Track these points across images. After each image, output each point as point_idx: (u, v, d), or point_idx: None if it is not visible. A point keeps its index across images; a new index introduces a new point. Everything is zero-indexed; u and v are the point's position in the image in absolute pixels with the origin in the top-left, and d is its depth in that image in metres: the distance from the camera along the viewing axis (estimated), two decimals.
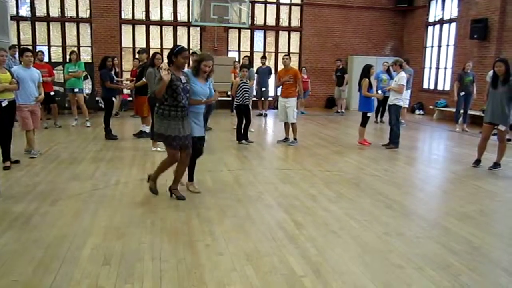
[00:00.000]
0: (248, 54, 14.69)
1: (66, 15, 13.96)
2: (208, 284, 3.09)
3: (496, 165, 6.83)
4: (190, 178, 5.39)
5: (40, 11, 13.81)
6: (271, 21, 15.58)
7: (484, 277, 3.30)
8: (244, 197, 5.17)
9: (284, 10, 15.63)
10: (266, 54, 15.10)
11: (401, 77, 8.47)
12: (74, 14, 14.04)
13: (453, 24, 13.96)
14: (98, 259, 3.42)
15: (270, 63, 15.24)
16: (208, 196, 5.11)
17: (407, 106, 12.39)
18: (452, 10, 14.12)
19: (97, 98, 12.78)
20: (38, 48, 13.06)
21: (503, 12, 11.90)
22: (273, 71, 14.19)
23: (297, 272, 3.29)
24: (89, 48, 14.24)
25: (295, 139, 8.69)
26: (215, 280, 3.14)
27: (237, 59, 14.08)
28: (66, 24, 14.05)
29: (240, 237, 3.98)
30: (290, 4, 15.60)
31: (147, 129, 8.69)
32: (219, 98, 13.76)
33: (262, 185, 5.71)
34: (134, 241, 3.79)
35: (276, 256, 3.56)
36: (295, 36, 15.86)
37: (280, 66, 9.48)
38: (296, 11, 15.69)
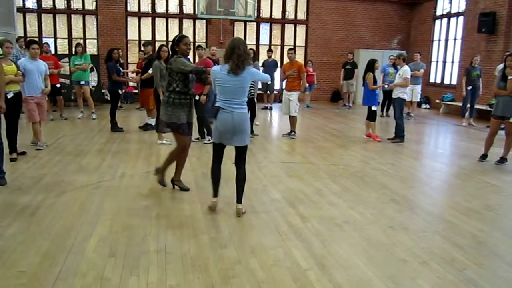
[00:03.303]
0: (254, 47, 14.64)
1: (72, 7, 13.98)
2: (213, 276, 3.10)
3: (503, 159, 6.78)
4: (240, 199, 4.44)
5: (46, 3, 13.83)
6: (277, 14, 15.51)
7: (489, 272, 3.29)
8: (249, 190, 5.14)
9: (290, 3, 15.54)
10: (272, 47, 15.04)
11: (405, 71, 8.44)
12: (80, 6, 14.05)
13: (461, 18, 13.83)
14: (103, 251, 3.44)
15: (276, 56, 15.18)
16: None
17: (418, 99, 12.32)
18: (460, 3, 13.97)
19: (103, 91, 12.82)
20: (44, 40, 13.09)
21: None
22: (279, 64, 14.14)
23: (302, 265, 3.30)
24: (95, 41, 14.26)
25: (294, 131, 8.71)
26: (219, 273, 3.15)
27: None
28: (72, 16, 14.07)
29: (244, 230, 3.99)
30: None
31: (153, 121, 8.71)
32: None
33: (267, 178, 5.72)
34: (139, 233, 3.81)
35: (281, 249, 3.57)
36: (301, 29, 15.78)
37: (286, 59, 9.50)
38: (302, 4, 15.59)
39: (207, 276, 3.11)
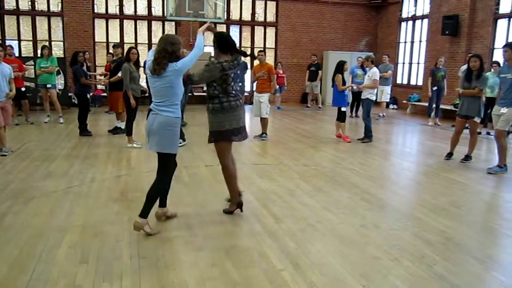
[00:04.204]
0: None
1: (36, 8, 13.60)
2: (188, 280, 3.08)
3: (468, 157, 7.01)
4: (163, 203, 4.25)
5: (9, 4, 13.41)
6: (246, 16, 15.55)
7: (457, 266, 3.39)
8: (221, 192, 5.15)
9: (259, 5, 15.62)
10: (242, 49, 15.03)
11: (374, 72, 8.62)
12: (45, 8, 13.69)
13: (426, 20, 14.23)
14: (75, 257, 3.37)
15: (246, 58, 15.18)
16: (185, 192, 5.09)
17: (387, 100, 12.66)
18: (424, 6, 14.38)
19: (70, 94, 12.54)
20: (7, 43, 12.67)
21: (473, 9, 12.20)
22: (249, 66, 14.16)
23: (276, 266, 3.32)
24: (61, 43, 13.92)
25: (265, 133, 8.75)
26: (194, 276, 3.13)
27: (212, 54, 14.00)
28: (37, 17, 13.69)
29: (218, 232, 3.98)
30: None
31: (122, 125, 8.58)
32: (196, 94, 13.72)
33: (239, 181, 5.68)
34: (111, 239, 3.74)
35: (255, 250, 3.58)
36: (270, 31, 15.88)
37: (256, 62, 9.54)
38: (271, 6, 15.69)
39: (182, 280, 3.08)
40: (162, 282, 3.05)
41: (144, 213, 3.85)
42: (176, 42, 3.81)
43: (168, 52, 3.73)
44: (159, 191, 3.99)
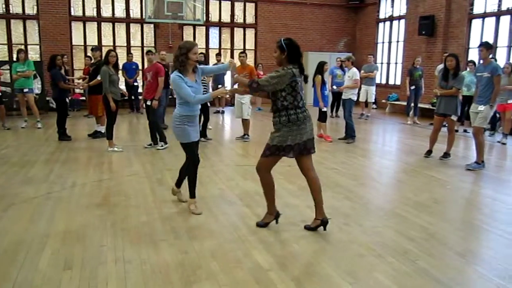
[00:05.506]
0: (204, 51, 14.61)
1: (11, 11, 13.34)
2: (174, 283, 3.07)
3: (446, 155, 7.16)
4: (193, 194, 4.62)
5: None
6: (226, 18, 15.55)
7: (439, 261, 3.46)
8: (205, 194, 5.16)
9: (238, 7, 15.64)
10: (222, 50, 15.07)
11: (354, 72, 8.71)
12: (20, 11, 13.43)
13: (402, 21, 14.46)
14: (58, 264, 3.32)
15: (226, 59, 15.22)
16: (169, 195, 5.06)
17: (372, 100, 12.85)
18: (401, 7, 14.62)
19: (47, 98, 12.32)
20: None
21: (449, 9, 12.45)
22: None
23: (263, 266, 3.32)
24: (37, 46, 13.68)
25: (247, 134, 8.77)
26: (181, 279, 3.12)
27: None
28: (12, 21, 13.43)
29: (203, 234, 3.97)
30: (245, 1, 15.61)
31: (102, 129, 8.48)
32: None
33: (223, 182, 5.72)
34: (95, 244, 3.70)
35: (241, 251, 3.59)
36: (250, 33, 15.91)
37: (237, 63, 9.55)
38: (250, 7, 15.73)
39: (168, 283, 3.07)
40: (148, 285, 3.03)
41: (178, 183, 4.92)
42: (180, 47, 4.37)
43: (173, 60, 4.38)
44: (188, 174, 4.65)
